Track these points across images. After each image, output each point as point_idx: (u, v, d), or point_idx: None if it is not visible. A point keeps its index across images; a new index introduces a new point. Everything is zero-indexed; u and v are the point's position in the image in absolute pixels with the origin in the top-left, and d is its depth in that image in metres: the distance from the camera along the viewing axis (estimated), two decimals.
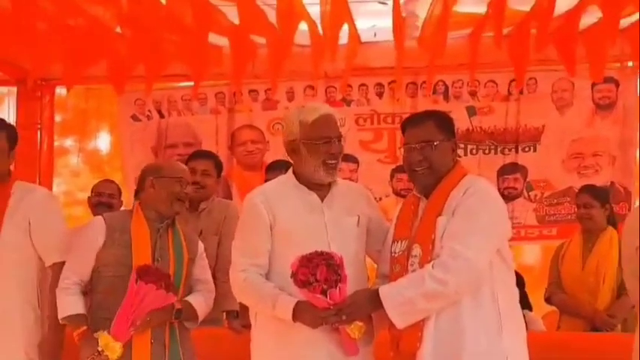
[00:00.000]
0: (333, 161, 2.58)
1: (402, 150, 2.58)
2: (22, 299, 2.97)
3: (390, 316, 2.36)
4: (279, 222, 2.55)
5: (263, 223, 2.55)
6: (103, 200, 4.28)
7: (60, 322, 2.89)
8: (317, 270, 2.33)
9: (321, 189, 2.61)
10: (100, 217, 3.02)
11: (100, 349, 2.69)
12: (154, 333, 2.79)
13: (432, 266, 2.36)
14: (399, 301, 2.36)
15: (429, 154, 2.49)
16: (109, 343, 2.68)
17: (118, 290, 2.75)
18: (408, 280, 2.40)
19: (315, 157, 2.56)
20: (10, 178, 3.05)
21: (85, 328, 2.82)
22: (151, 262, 2.83)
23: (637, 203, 4.91)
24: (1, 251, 2.94)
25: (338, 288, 2.35)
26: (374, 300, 2.39)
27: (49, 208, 3.11)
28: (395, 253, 2.52)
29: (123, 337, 2.69)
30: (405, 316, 2.36)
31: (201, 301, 2.97)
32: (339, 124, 2.67)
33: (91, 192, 4.44)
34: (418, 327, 2.38)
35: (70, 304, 2.86)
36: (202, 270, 3.07)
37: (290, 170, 2.68)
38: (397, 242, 2.53)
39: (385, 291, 2.39)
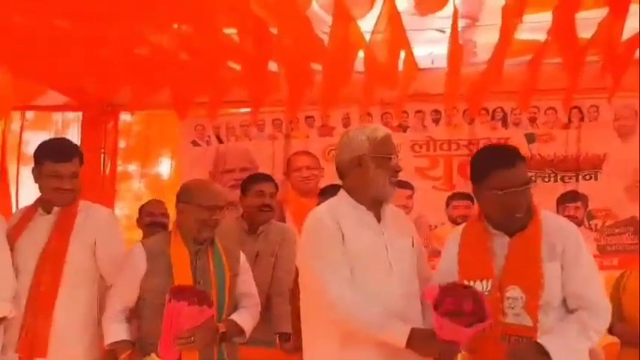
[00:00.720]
0: (396, 179, 2.61)
1: (500, 193, 2.46)
2: (84, 316, 3.05)
3: None
4: (346, 240, 2.53)
5: (338, 238, 2.52)
6: (157, 220, 4.35)
7: (106, 347, 2.95)
8: (464, 302, 2.29)
9: (375, 209, 2.61)
10: (139, 245, 3.03)
11: None
12: (202, 353, 2.79)
13: (589, 318, 2.44)
14: (569, 355, 2.40)
15: (529, 197, 2.50)
16: None
17: (163, 316, 2.77)
18: (571, 333, 2.42)
19: (384, 172, 2.58)
20: (77, 199, 3.14)
21: (129, 351, 2.87)
22: (193, 285, 2.82)
23: None
24: (68, 269, 3.01)
25: (484, 323, 2.31)
26: (540, 353, 2.37)
27: (114, 227, 3.20)
28: None
29: (169, 356, 2.72)
30: None
31: (246, 317, 2.97)
32: None
33: (140, 213, 4.50)
34: None
35: (115, 331, 2.92)
36: (246, 284, 3.05)
37: (342, 191, 2.67)
38: (474, 282, 2.47)
39: (552, 345, 2.38)
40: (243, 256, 3.09)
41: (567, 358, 2.38)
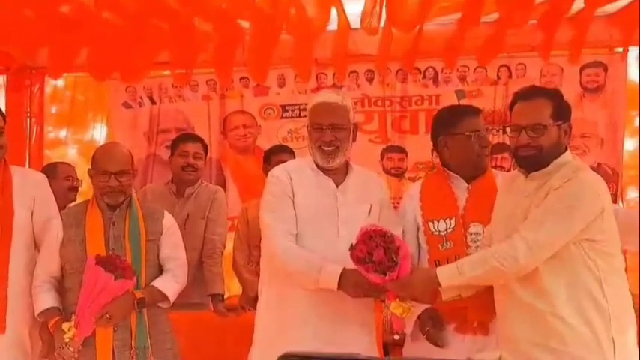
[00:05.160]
0: (327, 148, 2.64)
1: (471, 134, 2.74)
2: (28, 280, 2.96)
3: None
4: (296, 198, 2.63)
5: (289, 195, 2.63)
6: (75, 185, 4.20)
7: (37, 318, 2.90)
8: (374, 251, 2.36)
9: (338, 175, 2.69)
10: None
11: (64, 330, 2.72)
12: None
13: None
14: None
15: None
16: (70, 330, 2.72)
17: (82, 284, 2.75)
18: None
19: (312, 142, 2.67)
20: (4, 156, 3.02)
21: (57, 318, 2.84)
22: (106, 254, 2.79)
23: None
24: (15, 230, 2.92)
25: (397, 272, 2.36)
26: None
27: (49, 190, 3.13)
28: (439, 231, 2.68)
29: (87, 326, 2.71)
30: None
31: (169, 282, 2.92)
32: (349, 112, 2.71)
33: (55, 175, 4.16)
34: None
35: (42, 300, 2.89)
36: (172, 246, 2.99)
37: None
38: (438, 221, 2.69)
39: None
40: (169, 218, 3.03)
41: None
